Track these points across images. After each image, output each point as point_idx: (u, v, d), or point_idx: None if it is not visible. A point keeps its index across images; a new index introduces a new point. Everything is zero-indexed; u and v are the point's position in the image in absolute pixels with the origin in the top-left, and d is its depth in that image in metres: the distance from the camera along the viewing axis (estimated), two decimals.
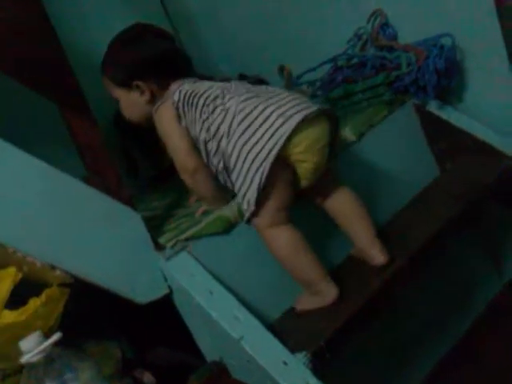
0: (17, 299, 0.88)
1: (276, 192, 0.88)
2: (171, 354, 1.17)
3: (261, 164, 0.84)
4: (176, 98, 1.00)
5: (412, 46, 1.14)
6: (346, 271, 0.99)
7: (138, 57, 1.03)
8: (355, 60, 1.27)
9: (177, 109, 0.99)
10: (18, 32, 0.84)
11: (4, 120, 1.19)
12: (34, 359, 0.83)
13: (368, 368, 1.02)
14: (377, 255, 0.93)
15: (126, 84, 1.03)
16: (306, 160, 0.88)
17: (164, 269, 0.90)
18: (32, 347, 0.83)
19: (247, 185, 0.87)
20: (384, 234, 1.01)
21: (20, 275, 0.85)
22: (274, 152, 0.84)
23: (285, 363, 0.78)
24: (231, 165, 0.90)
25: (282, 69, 1.60)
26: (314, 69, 1.38)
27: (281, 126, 0.85)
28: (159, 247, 0.91)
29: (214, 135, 0.93)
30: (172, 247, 0.90)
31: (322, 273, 0.91)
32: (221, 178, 0.97)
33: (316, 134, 0.88)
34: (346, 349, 0.84)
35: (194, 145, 0.99)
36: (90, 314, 1.05)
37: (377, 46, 1.24)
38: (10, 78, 0.85)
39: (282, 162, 0.87)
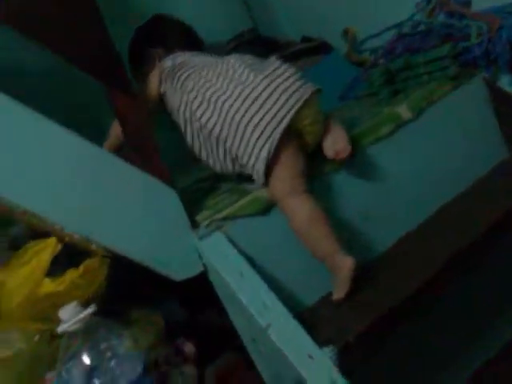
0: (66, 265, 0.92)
1: (287, 160, 0.89)
2: (219, 319, 1.18)
3: (270, 134, 0.86)
4: (165, 65, 1.02)
5: (485, 13, 1.02)
6: (383, 266, 0.93)
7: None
8: (421, 27, 1.16)
9: (160, 74, 1.02)
10: (65, 11, 0.84)
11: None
12: (71, 329, 0.86)
13: (398, 371, 0.97)
14: None
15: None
16: (313, 131, 0.92)
17: (198, 247, 0.89)
18: (68, 317, 0.86)
19: (255, 156, 0.88)
20: (436, 221, 0.94)
21: (60, 246, 0.88)
22: (285, 122, 0.87)
23: (310, 357, 0.76)
24: (237, 136, 0.90)
25: (346, 32, 1.51)
26: (377, 35, 1.29)
27: (287, 99, 0.88)
28: (195, 225, 0.90)
29: (213, 103, 0.92)
30: (206, 226, 0.89)
31: (338, 247, 0.87)
32: (214, 147, 0.95)
33: (316, 106, 0.93)
34: (377, 347, 0.80)
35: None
36: (135, 278, 1.07)
37: (447, 12, 1.12)
38: (58, 55, 0.85)
39: (290, 133, 0.89)
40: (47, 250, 0.86)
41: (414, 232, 1.01)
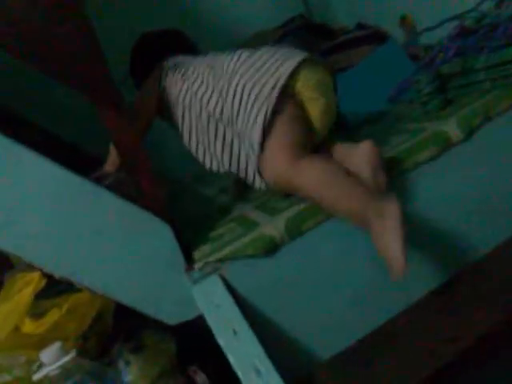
0: None
1: (286, 128, 0.81)
2: None
3: (265, 99, 0.81)
4: (166, 64, 0.99)
5: None
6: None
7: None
8: (486, 20, 0.94)
9: (161, 71, 0.99)
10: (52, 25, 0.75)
11: None
12: (52, 374, 0.80)
13: None
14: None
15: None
16: (317, 98, 0.85)
17: (192, 292, 0.78)
18: (49, 361, 0.79)
19: (251, 124, 0.82)
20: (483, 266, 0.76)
21: (44, 281, 0.81)
22: (279, 85, 0.81)
23: None
24: (234, 107, 0.85)
25: (403, 20, 1.31)
26: (435, 27, 1.08)
27: (282, 64, 0.83)
28: (190, 265, 0.79)
29: (211, 83, 0.90)
30: (201, 269, 0.78)
31: (371, 195, 0.74)
32: (212, 139, 0.91)
33: (321, 74, 0.86)
34: None
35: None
36: None
37: None
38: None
39: (289, 100, 0.83)
40: (30, 285, 0.79)
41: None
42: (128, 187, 0.82)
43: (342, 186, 0.75)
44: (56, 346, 0.79)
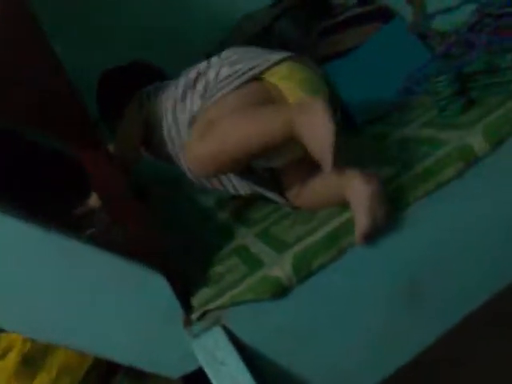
0: None
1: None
2: None
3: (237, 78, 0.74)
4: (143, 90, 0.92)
5: None
6: None
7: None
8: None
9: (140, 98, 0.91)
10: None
11: None
12: None
13: None
14: None
15: None
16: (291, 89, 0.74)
17: (192, 347, 0.70)
18: None
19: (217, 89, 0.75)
20: None
21: (29, 344, 0.73)
22: (253, 71, 0.74)
23: None
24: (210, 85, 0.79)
25: None
26: (450, 9, 0.96)
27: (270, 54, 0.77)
28: (188, 318, 0.70)
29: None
30: (199, 319, 0.69)
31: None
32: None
33: (307, 73, 0.76)
34: None
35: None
36: None
37: None
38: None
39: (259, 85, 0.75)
40: (14, 350, 0.71)
41: None
42: (116, 234, 0.72)
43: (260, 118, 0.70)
44: None
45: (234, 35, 1.38)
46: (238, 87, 0.74)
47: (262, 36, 1.34)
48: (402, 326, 0.75)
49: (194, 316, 0.69)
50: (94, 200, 0.86)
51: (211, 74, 0.80)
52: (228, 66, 0.78)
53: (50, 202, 0.77)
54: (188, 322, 0.70)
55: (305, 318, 0.72)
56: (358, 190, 0.66)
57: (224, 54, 0.84)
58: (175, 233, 0.97)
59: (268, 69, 0.75)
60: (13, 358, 0.72)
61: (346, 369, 0.73)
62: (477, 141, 0.74)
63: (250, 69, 0.74)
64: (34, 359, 0.73)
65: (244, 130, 0.69)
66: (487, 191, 0.75)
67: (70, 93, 0.66)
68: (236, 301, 0.69)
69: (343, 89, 1.13)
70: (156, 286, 0.69)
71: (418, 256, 0.75)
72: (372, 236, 0.68)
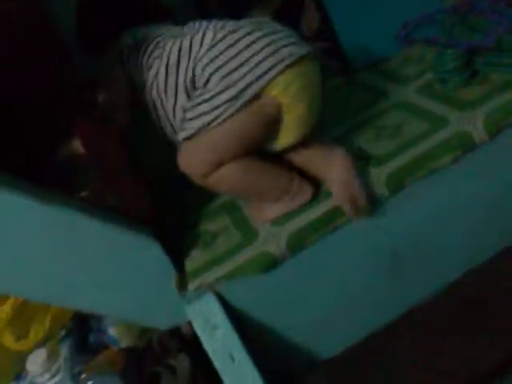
0: None
1: (227, 138, 0.69)
2: None
3: (233, 97, 0.67)
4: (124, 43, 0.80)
5: None
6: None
7: None
8: None
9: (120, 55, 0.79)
10: None
11: None
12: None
13: None
14: None
15: None
16: (295, 104, 0.70)
17: (186, 311, 0.74)
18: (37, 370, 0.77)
19: (207, 108, 0.69)
20: None
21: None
22: (248, 94, 0.67)
23: None
24: (201, 84, 0.71)
25: None
26: None
27: (262, 61, 0.67)
28: (182, 280, 0.73)
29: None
30: (195, 290, 0.72)
31: (290, 176, 0.75)
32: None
33: (305, 79, 0.70)
34: None
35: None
36: None
37: None
38: None
39: (254, 104, 0.69)
40: (7, 303, 0.73)
41: None
42: (108, 196, 0.71)
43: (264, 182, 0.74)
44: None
45: None
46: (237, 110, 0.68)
47: None
48: (383, 291, 0.81)
49: (190, 286, 0.72)
50: (76, 145, 0.81)
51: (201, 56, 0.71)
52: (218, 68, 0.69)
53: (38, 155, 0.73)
54: (182, 287, 0.73)
55: (294, 286, 0.77)
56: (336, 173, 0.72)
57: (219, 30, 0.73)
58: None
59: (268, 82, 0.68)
60: (6, 309, 0.74)
61: (330, 330, 0.80)
62: (477, 130, 0.74)
63: (248, 85, 0.67)
64: (27, 311, 0.75)
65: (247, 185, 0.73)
66: (477, 175, 0.78)
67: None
68: (231, 274, 0.72)
69: (340, 24, 1.07)
70: (151, 251, 0.71)
71: (401, 231, 0.79)
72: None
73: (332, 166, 0.73)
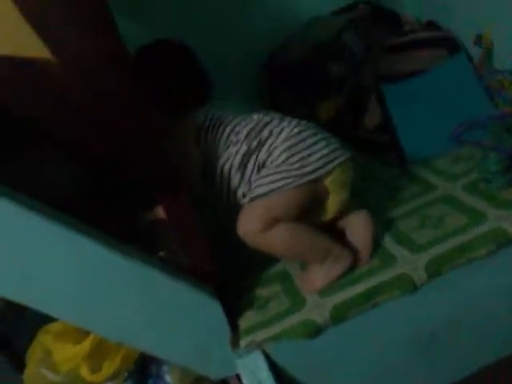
0: None
1: (285, 205, 0.84)
2: None
3: (296, 176, 0.84)
4: (198, 120, 0.97)
5: None
6: None
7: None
8: None
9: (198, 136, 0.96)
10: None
11: None
12: None
13: None
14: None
15: None
16: (339, 193, 0.88)
17: (236, 364, 0.83)
18: None
19: (278, 177, 0.84)
20: None
21: None
22: (314, 176, 0.84)
23: None
24: (272, 164, 0.87)
25: (479, 39, 1.20)
26: None
27: (325, 155, 0.86)
28: (235, 337, 0.83)
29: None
30: (245, 347, 0.82)
31: (331, 241, 0.87)
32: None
33: (347, 173, 0.89)
34: None
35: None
36: None
37: None
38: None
39: (311, 185, 0.85)
40: (89, 338, 0.85)
41: None
42: (181, 257, 0.84)
43: (309, 244, 0.86)
44: None
45: (302, 38, 1.41)
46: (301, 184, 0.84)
47: (330, 46, 1.37)
48: (417, 368, 0.87)
49: (242, 343, 0.82)
50: (159, 211, 0.96)
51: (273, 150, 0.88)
52: (286, 154, 0.85)
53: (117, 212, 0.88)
54: (235, 344, 0.83)
55: (334, 353, 0.84)
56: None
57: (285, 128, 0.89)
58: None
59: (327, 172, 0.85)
60: (86, 346, 0.87)
61: None
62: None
63: (315, 170, 0.84)
64: (102, 348, 0.88)
65: (295, 245, 0.86)
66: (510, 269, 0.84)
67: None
68: (278, 337, 0.82)
69: (397, 116, 1.20)
70: (211, 309, 0.82)
71: (438, 314, 0.85)
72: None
73: (358, 227, 0.91)
